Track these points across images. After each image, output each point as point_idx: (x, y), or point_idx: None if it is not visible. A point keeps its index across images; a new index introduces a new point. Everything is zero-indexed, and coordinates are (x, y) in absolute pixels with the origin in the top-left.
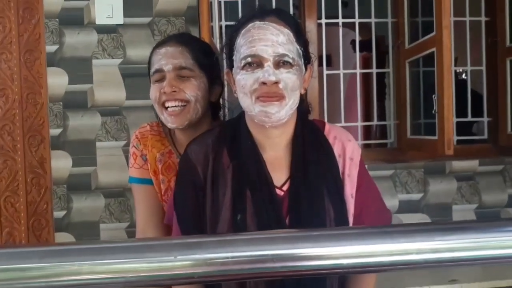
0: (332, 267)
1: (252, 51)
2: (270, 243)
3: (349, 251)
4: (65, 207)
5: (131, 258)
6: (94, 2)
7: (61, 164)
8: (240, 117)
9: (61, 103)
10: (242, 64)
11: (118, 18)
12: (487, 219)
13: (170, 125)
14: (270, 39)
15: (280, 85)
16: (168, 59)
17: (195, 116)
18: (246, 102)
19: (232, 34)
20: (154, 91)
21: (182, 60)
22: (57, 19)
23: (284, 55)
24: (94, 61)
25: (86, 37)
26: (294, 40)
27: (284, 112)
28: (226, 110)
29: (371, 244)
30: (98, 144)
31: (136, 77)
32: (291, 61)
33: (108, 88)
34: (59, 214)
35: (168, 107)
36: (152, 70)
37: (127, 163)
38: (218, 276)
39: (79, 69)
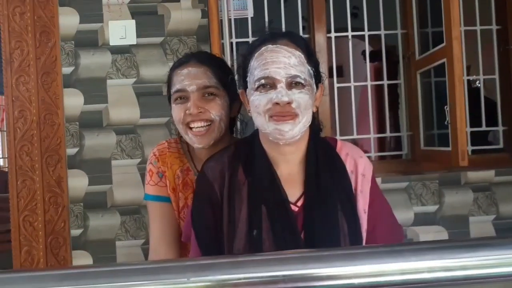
0: (344, 287)
1: (265, 73)
2: (281, 264)
3: (360, 271)
4: (82, 225)
5: (145, 280)
6: (107, 24)
7: (78, 183)
8: (254, 135)
9: (77, 123)
10: (256, 86)
11: (131, 38)
12: (499, 236)
13: (196, 145)
14: (282, 62)
15: (293, 105)
16: (192, 79)
17: (219, 134)
18: (260, 121)
19: (245, 56)
20: (178, 111)
21: (206, 80)
22: (73, 42)
23: (296, 76)
24: (109, 81)
25: (100, 58)
26: (305, 61)
27: (297, 129)
28: (238, 123)
29: (382, 263)
30: (113, 162)
31: (150, 96)
32: (302, 81)
33: (122, 107)
34: (76, 232)
35: (193, 127)
36: (174, 89)
37: (142, 181)
38: None
39: (94, 89)
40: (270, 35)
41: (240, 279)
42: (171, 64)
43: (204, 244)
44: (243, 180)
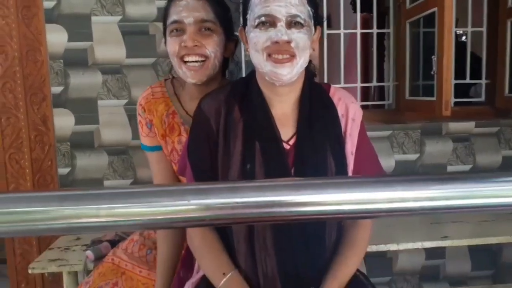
0: (333, 212)
1: (266, 11)
2: (276, 190)
3: (349, 198)
4: (69, 164)
5: (148, 202)
6: None
7: (64, 122)
8: (250, 75)
9: (61, 60)
10: (256, 23)
11: None
12: (479, 171)
13: (189, 80)
14: (283, 0)
15: (292, 44)
16: (190, 11)
17: (213, 71)
18: (258, 59)
19: None
20: (172, 44)
21: (204, 13)
22: None
23: (296, 15)
24: (93, 18)
25: None
26: (306, 1)
27: (295, 71)
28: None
29: (371, 192)
30: (99, 102)
31: (136, 35)
32: (302, 21)
33: (108, 45)
34: (63, 171)
35: (187, 61)
36: (170, 20)
37: (129, 122)
38: (228, 219)
39: (78, 26)
40: None
41: (237, 203)
42: (157, 2)
43: (199, 175)
44: (238, 118)
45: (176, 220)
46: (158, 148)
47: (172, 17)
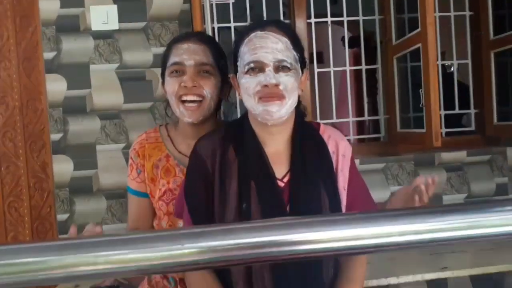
0: (323, 250)
1: (254, 58)
2: (268, 230)
3: (338, 235)
4: (68, 210)
5: (142, 248)
6: (89, 8)
7: (63, 168)
8: (243, 117)
9: (60, 108)
10: (245, 69)
11: (113, 24)
12: (463, 203)
13: (186, 119)
14: (270, 47)
15: (280, 87)
16: (191, 54)
17: (208, 112)
18: (250, 103)
19: (236, 42)
20: (172, 84)
21: (204, 57)
22: (54, 27)
23: (282, 60)
24: (92, 67)
25: (82, 43)
26: (291, 47)
27: (284, 110)
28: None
29: (358, 228)
30: (98, 147)
31: (133, 81)
32: (288, 65)
33: (106, 92)
34: (62, 217)
35: (185, 101)
36: (171, 62)
37: (127, 165)
38: (223, 261)
39: (77, 74)
40: (258, 22)
41: (230, 244)
42: (154, 49)
43: (197, 217)
44: (233, 158)
45: (172, 264)
46: (141, 194)
47: (174, 58)
